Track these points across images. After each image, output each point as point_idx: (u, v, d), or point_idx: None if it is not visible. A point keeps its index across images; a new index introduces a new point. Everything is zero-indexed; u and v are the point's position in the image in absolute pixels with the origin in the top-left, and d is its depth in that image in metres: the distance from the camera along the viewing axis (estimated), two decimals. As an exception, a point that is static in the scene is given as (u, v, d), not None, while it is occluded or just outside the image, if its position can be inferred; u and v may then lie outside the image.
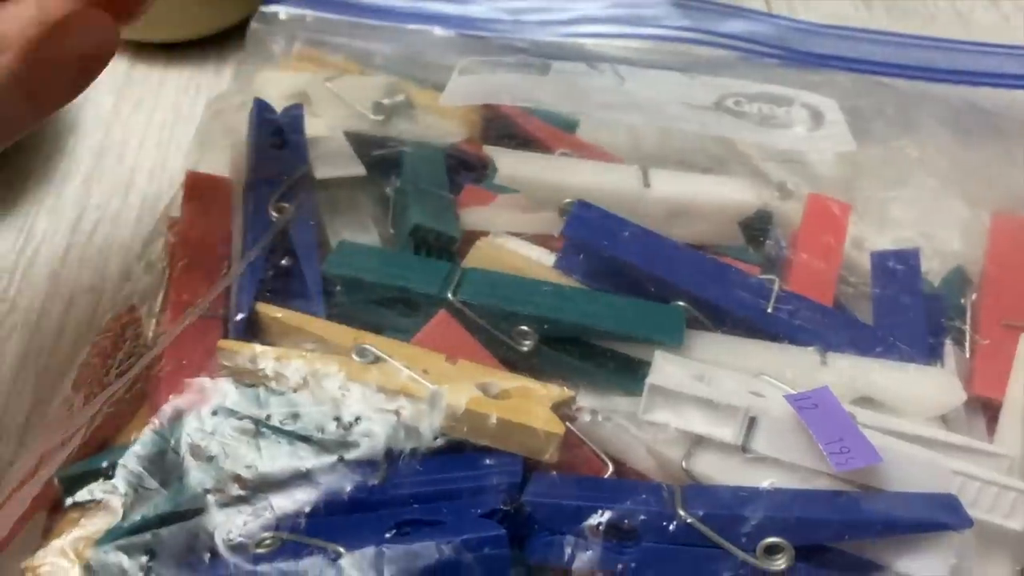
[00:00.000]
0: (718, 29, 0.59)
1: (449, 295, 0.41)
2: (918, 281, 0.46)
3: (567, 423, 0.38)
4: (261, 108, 0.49)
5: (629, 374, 0.41)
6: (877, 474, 0.36)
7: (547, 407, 0.37)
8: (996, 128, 0.55)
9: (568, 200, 0.45)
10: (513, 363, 0.41)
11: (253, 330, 0.41)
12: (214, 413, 0.37)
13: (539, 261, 0.45)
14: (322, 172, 0.47)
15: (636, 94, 0.52)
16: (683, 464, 0.38)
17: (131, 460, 0.36)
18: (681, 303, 0.42)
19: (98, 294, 0.53)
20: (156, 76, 0.66)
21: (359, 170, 0.48)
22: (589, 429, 0.40)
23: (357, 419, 0.37)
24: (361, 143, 0.51)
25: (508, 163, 0.47)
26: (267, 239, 0.43)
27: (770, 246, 0.48)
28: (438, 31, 0.60)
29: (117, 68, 0.66)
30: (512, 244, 0.46)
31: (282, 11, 0.61)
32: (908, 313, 0.44)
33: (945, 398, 0.40)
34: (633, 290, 0.43)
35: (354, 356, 0.38)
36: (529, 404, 0.37)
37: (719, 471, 0.37)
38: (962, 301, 0.46)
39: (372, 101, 0.52)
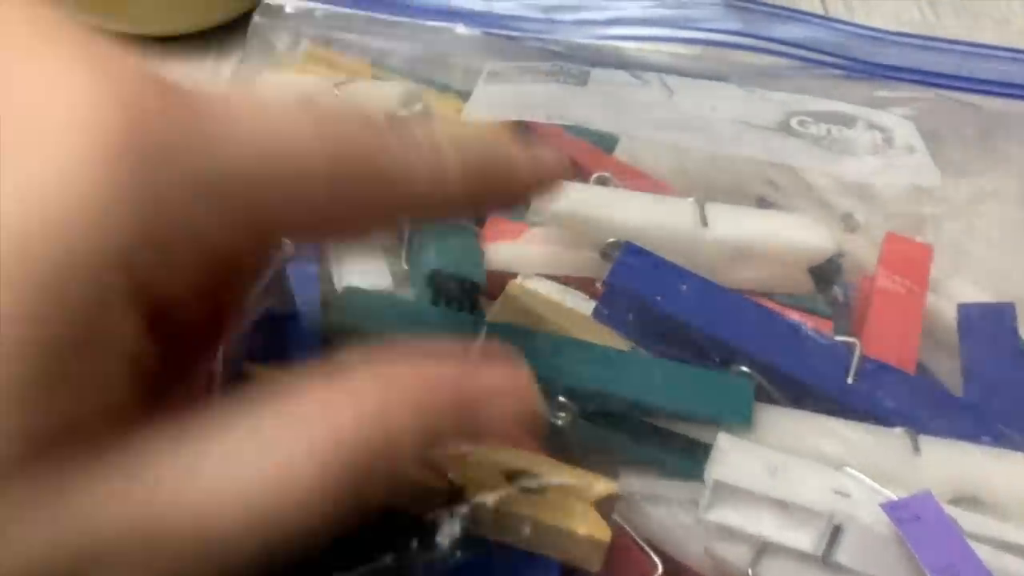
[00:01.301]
0: (773, 34, 0.52)
1: None
2: (1016, 343, 0.39)
3: (611, 514, 0.32)
4: None
5: (684, 455, 0.34)
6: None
7: (590, 505, 0.31)
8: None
9: (612, 240, 0.39)
10: (545, 437, 0.34)
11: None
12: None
13: (575, 309, 0.38)
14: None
15: (687, 110, 0.45)
16: (748, 572, 0.32)
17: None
18: (744, 368, 0.35)
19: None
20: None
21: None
22: (635, 518, 0.34)
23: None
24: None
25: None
26: (261, 282, 0.36)
27: (836, 291, 0.41)
28: (461, 29, 0.52)
29: (106, 62, 0.58)
30: (544, 287, 0.39)
31: (288, 3, 0.53)
32: (1005, 383, 0.37)
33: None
34: (686, 349, 0.36)
35: None
36: (569, 502, 0.31)
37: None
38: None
39: (386, 111, 0.44)
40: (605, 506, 0.31)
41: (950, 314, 0.41)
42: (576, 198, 0.40)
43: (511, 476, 0.31)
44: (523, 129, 0.46)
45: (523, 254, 0.41)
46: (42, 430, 0.18)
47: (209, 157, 0.20)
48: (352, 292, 0.37)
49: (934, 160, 0.44)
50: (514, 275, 0.39)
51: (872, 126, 0.46)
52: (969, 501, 0.33)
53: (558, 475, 0.32)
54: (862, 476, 0.32)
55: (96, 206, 0.18)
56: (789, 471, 0.32)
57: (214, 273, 0.21)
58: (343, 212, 0.24)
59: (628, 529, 0.33)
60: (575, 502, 0.31)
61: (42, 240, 0.18)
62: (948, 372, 0.39)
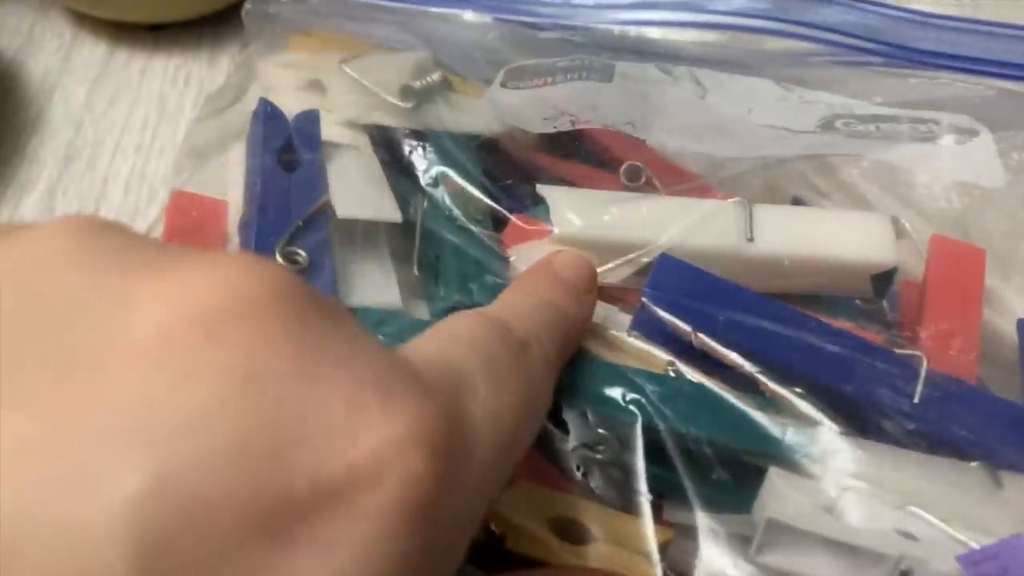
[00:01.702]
0: (806, 18, 0.47)
1: None
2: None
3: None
4: (267, 113, 0.38)
5: (738, 487, 0.30)
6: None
7: (643, 554, 0.28)
8: None
9: (647, 260, 0.35)
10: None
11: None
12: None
13: (605, 326, 0.34)
14: (345, 210, 0.36)
15: (722, 112, 0.41)
16: None
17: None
18: (798, 390, 0.31)
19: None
20: (139, 63, 0.55)
21: (393, 214, 0.36)
22: (680, 560, 0.29)
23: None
24: (385, 140, 0.40)
25: (566, 219, 0.36)
26: None
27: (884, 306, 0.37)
28: (469, 16, 0.48)
29: (94, 52, 0.55)
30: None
31: None
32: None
33: None
34: (732, 371, 0.32)
35: None
36: (621, 553, 0.28)
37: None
38: None
39: (399, 84, 0.41)
40: (657, 555, 0.28)
41: (1005, 328, 0.37)
42: (605, 216, 0.36)
43: (555, 523, 0.28)
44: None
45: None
46: None
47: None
48: (365, 314, 0.33)
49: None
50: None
51: (921, 121, 0.41)
52: None
53: (607, 523, 0.28)
54: (930, 516, 0.28)
55: None
56: (848, 509, 0.28)
57: None
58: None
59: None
60: (627, 553, 0.28)
61: None
62: (1003, 388, 0.35)
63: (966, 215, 0.41)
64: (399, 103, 0.40)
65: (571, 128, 0.40)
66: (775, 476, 0.29)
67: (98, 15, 0.55)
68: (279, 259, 0.33)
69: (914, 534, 0.28)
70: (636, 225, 0.36)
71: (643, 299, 0.33)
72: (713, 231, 0.36)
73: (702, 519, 0.30)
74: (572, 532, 0.28)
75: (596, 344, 0.33)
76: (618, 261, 0.36)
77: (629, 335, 0.33)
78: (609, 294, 0.35)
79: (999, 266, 0.39)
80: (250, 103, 0.40)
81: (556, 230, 0.35)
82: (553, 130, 0.39)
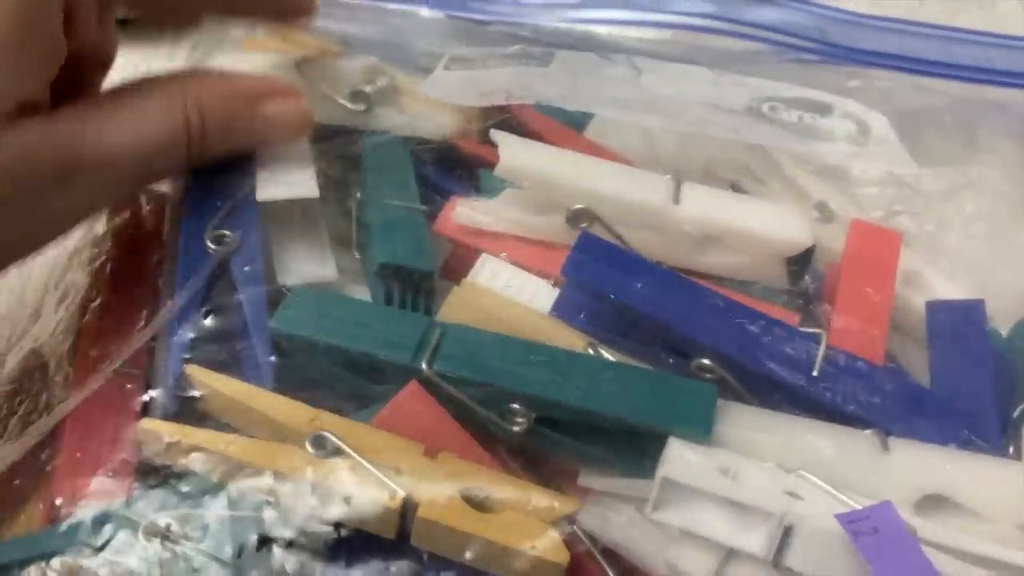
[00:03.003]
0: (746, 17, 0.48)
1: (423, 365, 0.31)
2: (984, 343, 0.35)
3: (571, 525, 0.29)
4: None
5: (644, 455, 0.31)
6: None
7: (548, 523, 0.28)
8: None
9: (579, 207, 0.36)
10: (498, 442, 0.31)
11: (184, 401, 0.31)
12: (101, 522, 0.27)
13: (528, 305, 0.35)
14: (264, 193, 0.36)
15: (655, 91, 0.42)
16: None
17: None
18: (706, 361, 0.33)
19: (13, 324, 0.43)
20: (98, 56, 0.55)
21: (311, 191, 0.37)
22: (595, 524, 0.30)
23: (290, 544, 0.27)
24: (330, 138, 0.40)
25: (515, 152, 0.37)
26: (200, 280, 0.33)
27: (806, 281, 0.38)
28: (425, 12, 0.49)
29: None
30: (505, 273, 0.36)
31: None
32: (973, 383, 0.34)
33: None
34: (647, 343, 0.33)
35: (308, 446, 0.29)
36: (526, 521, 0.28)
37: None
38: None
39: (351, 88, 0.42)
40: (564, 524, 0.29)
41: (919, 303, 0.38)
42: (550, 160, 0.38)
43: (468, 493, 0.29)
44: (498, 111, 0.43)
45: (489, 215, 0.38)
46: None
47: None
48: (299, 293, 0.34)
49: (911, 149, 0.41)
50: (478, 251, 0.37)
51: (846, 115, 0.42)
52: (936, 502, 0.30)
53: (515, 492, 0.29)
54: (816, 480, 0.29)
55: None
56: (741, 472, 0.29)
57: None
58: None
59: (586, 540, 0.30)
60: (532, 520, 0.28)
61: None
62: (918, 364, 0.36)
63: (895, 199, 0.42)
64: (350, 106, 0.42)
65: (505, 103, 0.41)
66: (674, 442, 0.30)
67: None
68: (208, 241, 0.34)
69: (801, 496, 0.29)
70: (575, 173, 0.37)
71: (564, 275, 0.34)
72: (643, 190, 0.37)
73: (617, 483, 0.31)
74: (481, 497, 0.29)
75: (513, 319, 0.34)
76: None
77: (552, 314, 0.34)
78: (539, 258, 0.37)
79: (925, 252, 0.40)
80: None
81: (502, 160, 0.36)
82: (487, 103, 0.41)
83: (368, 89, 0.42)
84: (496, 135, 0.38)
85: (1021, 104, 0.46)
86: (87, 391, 0.31)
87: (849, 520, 0.27)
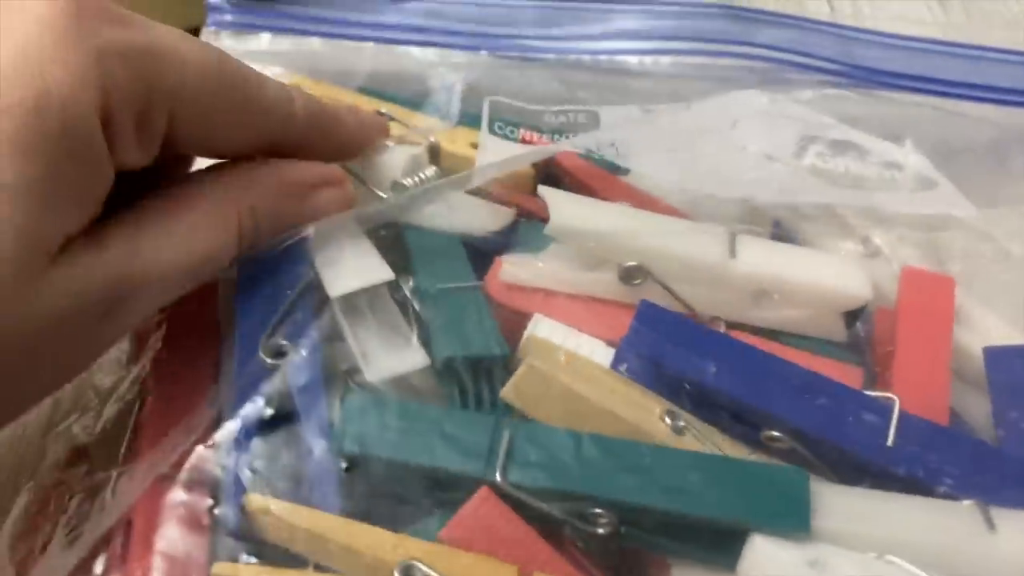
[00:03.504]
0: (772, 42, 0.47)
1: (498, 476, 0.29)
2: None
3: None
4: None
5: (736, 547, 0.29)
6: None
7: None
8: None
9: (632, 263, 0.35)
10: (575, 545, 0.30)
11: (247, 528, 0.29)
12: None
13: (598, 367, 0.34)
14: (337, 288, 0.33)
15: (703, 124, 0.41)
16: None
17: None
18: (776, 433, 0.31)
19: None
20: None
21: (385, 274, 0.34)
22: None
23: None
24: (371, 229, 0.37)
25: (565, 211, 0.36)
26: (258, 401, 0.31)
27: (858, 327, 0.37)
28: (437, 51, 0.47)
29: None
30: (558, 334, 0.35)
31: (226, 39, 0.47)
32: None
33: None
34: (713, 410, 0.32)
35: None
36: None
37: None
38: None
39: (391, 179, 0.39)
40: None
41: (975, 346, 0.37)
42: (600, 217, 0.37)
43: None
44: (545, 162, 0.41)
45: (540, 272, 0.37)
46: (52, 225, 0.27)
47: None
48: (356, 401, 0.31)
49: (939, 168, 0.41)
50: (527, 315, 0.35)
51: (887, 163, 0.42)
52: None
53: None
54: (911, 567, 0.28)
55: (61, 37, 0.27)
56: (830, 563, 0.28)
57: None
58: (220, 117, 0.31)
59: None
60: None
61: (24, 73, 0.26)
62: (976, 410, 0.36)
63: (937, 237, 0.41)
64: (391, 199, 0.38)
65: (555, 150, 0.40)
66: (757, 537, 0.29)
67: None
68: (263, 357, 0.32)
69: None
70: (627, 229, 0.36)
71: (624, 346, 0.33)
72: (698, 245, 0.36)
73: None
74: None
75: (586, 389, 0.32)
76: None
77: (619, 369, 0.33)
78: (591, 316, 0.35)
79: (968, 284, 0.39)
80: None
81: (553, 220, 0.35)
82: (538, 158, 0.40)
83: (408, 182, 0.39)
84: (544, 192, 0.37)
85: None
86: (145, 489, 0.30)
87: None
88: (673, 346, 0.33)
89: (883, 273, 0.39)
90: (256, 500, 0.29)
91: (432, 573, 0.27)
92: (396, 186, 0.39)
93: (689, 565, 0.30)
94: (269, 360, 0.31)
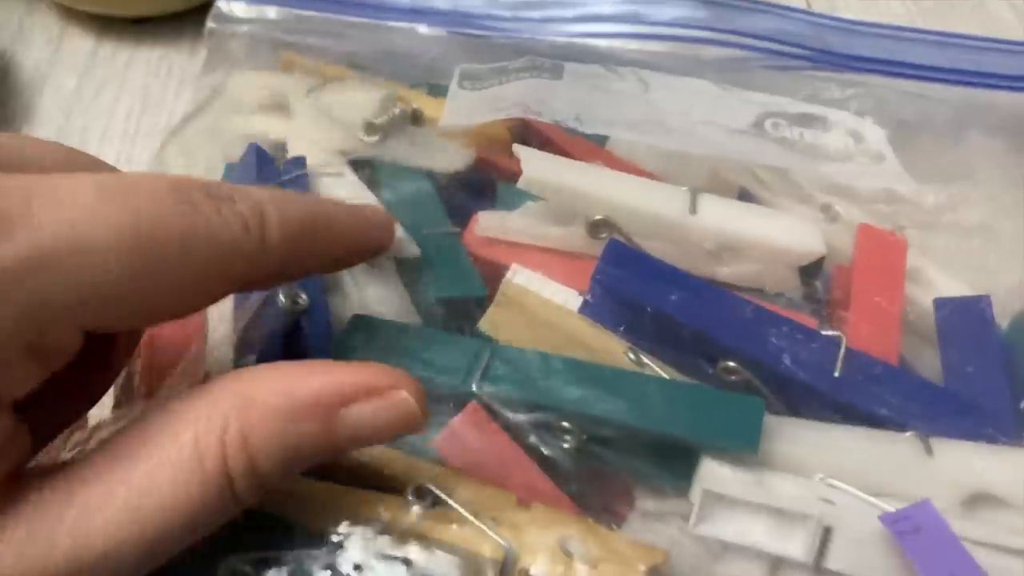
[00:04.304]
0: (743, 28, 0.48)
1: (474, 387, 0.31)
2: (994, 338, 0.36)
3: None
4: (261, 159, 0.38)
5: (693, 470, 0.31)
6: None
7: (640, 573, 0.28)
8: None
9: (599, 217, 0.36)
10: (552, 459, 0.31)
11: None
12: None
13: (569, 307, 0.35)
14: None
15: (663, 107, 0.42)
16: None
17: None
18: (732, 364, 0.33)
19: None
20: (124, 55, 0.55)
21: (413, 249, 0.37)
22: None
23: (357, 567, 0.27)
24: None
25: (537, 165, 0.37)
26: (278, 335, 0.33)
27: (817, 286, 0.38)
28: (423, 29, 0.48)
29: (82, 45, 0.55)
30: (535, 283, 0.36)
31: (237, 7, 0.48)
32: (988, 379, 0.35)
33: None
34: (677, 346, 0.33)
35: (409, 497, 0.29)
36: (621, 571, 0.28)
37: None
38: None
39: (363, 119, 0.41)
40: (655, 572, 0.29)
41: (927, 302, 0.38)
42: (570, 173, 0.38)
43: (563, 547, 0.29)
44: (520, 123, 0.42)
45: (512, 225, 0.38)
46: None
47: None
48: (359, 321, 0.34)
49: (907, 155, 0.43)
50: (503, 268, 0.37)
51: (845, 131, 0.43)
52: (983, 500, 0.30)
53: (606, 543, 0.29)
54: (847, 487, 0.30)
55: None
56: (775, 482, 0.30)
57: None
58: (157, 291, 0.23)
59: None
60: (626, 571, 0.28)
61: None
62: (926, 361, 0.37)
63: (895, 200, 0.42)
64: (363, 138, 0.41)
65: (522, 116, 0.41)
66: (707, 460, 0.30)
67: (84, 9, 0.55)
68: (282, 299, 0.33)
69: (835, 502, 0.29)
70: (595, 184, 0.37)
71: (594, 281, 0.34)
72: (661, 201, 0.37)
73: (670, 504, 0.31)
74: (575, 548, 0.29)
75: (558, 321, 0.34)
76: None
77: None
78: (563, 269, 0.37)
79: (922, 247, 0.40)
80: (217, 128, 0.41)
81: (525, 172, 0.36)
82: (503, 117, 0.41)
83: (379, 121, 0.41)
84: (518, 149, 0.38)
85: (1013, 106, 0.46)
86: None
87: (892, 520, 0.27)
88: (637, 279, 0.34)
89: (842, 238, 0.40)
90: None
91: (443, 495, 0.28)
92: (368, 125, 0.40)
93: (651, 495, 0.31)
94: (285, 301, 0.33)
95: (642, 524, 0.31)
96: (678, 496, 0.31)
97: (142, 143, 0.50)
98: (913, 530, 0.27)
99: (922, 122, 0.45)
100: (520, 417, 0.31)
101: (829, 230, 0.40)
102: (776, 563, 0.29)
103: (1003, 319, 0.38)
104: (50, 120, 0.51)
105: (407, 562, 0.27)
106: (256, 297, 0.33)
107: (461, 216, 0.39)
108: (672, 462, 0.31)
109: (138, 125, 0.51)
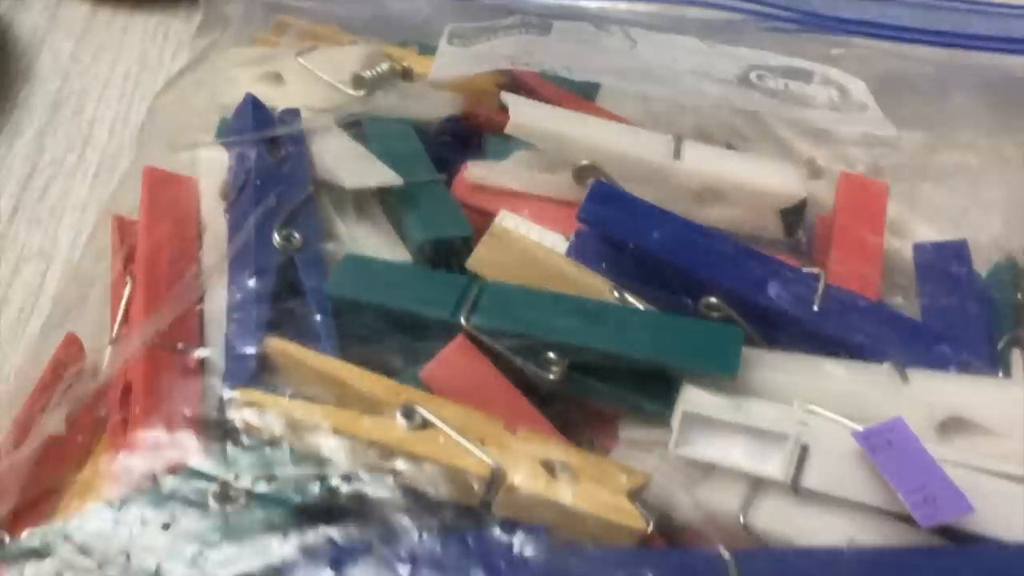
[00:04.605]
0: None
1: (462, 320, 0.31)
2: (970, 278, 0.37)
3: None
4: (254, 108, 0.39)
5: (674, 400, 0.31)
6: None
7: (623, 494, 0.29)
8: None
9: (585, 163, 0.37)
10: (538, 391, 0.32)
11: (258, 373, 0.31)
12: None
13: (554, 249, 0.36)
14: (352, 180, 0.37)
15: (650, 60, 0.43)
16: (741, 518, 0.29)
17: (73, 536, 0.27)
18: (714, 300, 0.33)
19: (47, 260, 0.44)
20: (121, 20, 0.56)
21: (396, 178, 0.38)
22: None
23: (346, 478, 0.27)
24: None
25: (524, 112, 0.38)
26: (272, 272, 0.34)
27: (800, 233, 0.39)
28: None
29: (78, 11, 0.56)
30: (523, 229, 0.37)
31: None
32: (962, 315, 0.35)
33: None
34: (658, 283, 0.34)
35: (398, 417, 0.29)
36: (603, 491, 0.29)
37: (785, 526, 0.28)
38: (1019, 295, 0.37)
39: (351, 74, 0.42)
40: (636, 494, 0.29)
41: (907, 254, 0.39)
42: (556, 119, 0.38)
43: (548, 466, 0.29)
44: (508, 79, 0.43)
45: (501, 174, 0.39)
46: None
47: None
48: (351, 260, 0.34)
49: (890, 112, 0.43)
50: (491, 215, 0.37)
51: (828, 82, 0.44)
52: (957, 426, 0.31)
53: (591, 464, 0.30)
54: (824, 411, 0.30)
55: None
56: (754, 407, 0.30)
57: None
58: None
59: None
60: (609, 491, 0.29)
61: None
62: (906, 309, 0.37)
63: (878, 157, 0.43)
64: (351, 92, 0.41)
65: (511, 67, 0.41)
66: (689, 386, 0.31)
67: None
68: (277, 239, 0.34)
69: (811, 425, 0.30)
70: (581, 131, 0.38)
71: (579, 219, 0.34)
72: (647, 146, 0.38)
73: (654, 433, 0.31)
74: (560, 469, 0.29)
75: (543, 259, 0.35)
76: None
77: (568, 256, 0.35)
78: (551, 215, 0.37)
79: (906, 201, 0.41)
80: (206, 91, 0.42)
81: (512, 118, 0.37)
82: (490, 68, 0.41)
83: (367, 75, 0.42)
84: (506, 97, 0.38)
85: (994, 67, 0.47)
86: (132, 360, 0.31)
87: (864, 436, 0.28)
88: (621, 217, 0.34)
89: (825, 193, 0.40)
90: (276, 343, 0.31)
91: (430, 416, 0.29)
92: (356, 79, 0.41)
93: (634, 425, 0.32)
94: (279, 240, 0.34)
95: (625, 453, 0.32)
96: (660, 426, 0.31)
97: (139, 106, 0.51)
98: (886, 445, 0.27)
99: (905, 80, 0.46)
100: (507, 348, 0.31)
101: (813, 184, 0.41)
102: (755, 486, 0.29)
103: (977, 265, 0.38)
104: (48, 83, 0.52)
105: (395, 473, 0.27)
106: (251, 223, 0.34)
107: (450, 168, 0.40)
108: (654, 391, 0.31)
109: (135, 87, 0.52)
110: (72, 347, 0.34)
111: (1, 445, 0.32)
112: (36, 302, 0.42)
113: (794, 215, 0.39)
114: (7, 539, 0.28)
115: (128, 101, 0.51)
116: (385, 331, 0.33)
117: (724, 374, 0.30)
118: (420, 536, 0.27)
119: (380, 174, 0.37)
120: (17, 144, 0.49)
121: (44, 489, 0.31)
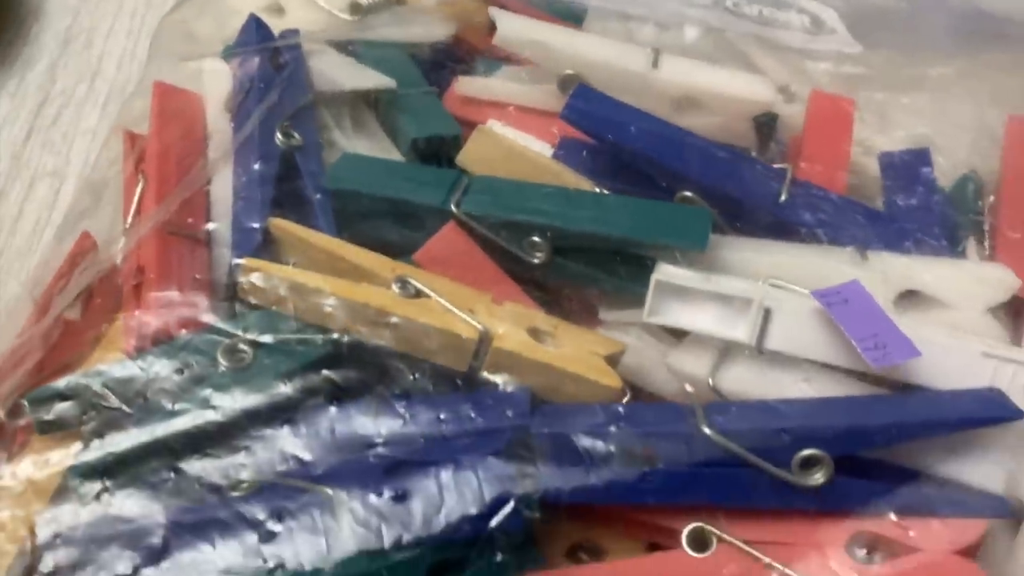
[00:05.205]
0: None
1: (452, 206, 0.33)
2: (930, 178, 0.38)
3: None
4: (258, 25, 0.41)
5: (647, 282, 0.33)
6: (911, 369, 0.29)
7: (601, 357, 0.31)
8: (1001, 34, 0.47)
9: (569, 72, 0.39)
10: (524, 275, 0.34)
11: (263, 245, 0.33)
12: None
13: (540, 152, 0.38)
14: (353, 82, 0.40)
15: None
16: (710, 381, 0.31)
17: (95, 382, 0.29)
18: (688, 193, 0.35)
19: (60, 178, 0.46)
20: (128, -40, 0.57)
21: (390, 82, 0.40)
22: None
23: (347, 331, 0.30)
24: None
25: (511, 24, 0.40)
26: (275, 162, 0.36)
27: (774, 149, 0.41)
28: None
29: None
30: (509, 134, 0.39)
31: None
32: (922, 210, 0.37)
33: (1000, 290, 0.33)
34: (638, 182, 0.36)
35: (394, 287, 0.31)
36: (583, 354, 0.31)
37: (751, 386, 0.31)
38: (979, 203, 0.39)
39: (348, 1, 0.44)
40: (614, 360, 0.31)
41: (875, 169, 0.40)
42: (541, 31, 0.41)
43: (533, 332, 0.31)
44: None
45: (490, 85, 0.41)
46: None
47: None
48: (348, 156, 0.37)
49: (855, 37, 0.45)
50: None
51: (802, 11, 0.46)
52: (911, 296, 0.33)
53: (572, 332, 0.32)
54: (792, 285, 0.32)
55: None
56: (723, 281, 0.32)
57: None
58: None
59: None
60: (588, 354, 0.31)
61: None
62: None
63: (850, 83, 0.45)
64: (348, 17, 0.44)
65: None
66: (662, 263, 0.32)
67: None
68: (279, 136, 0.36)
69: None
70: (565, 42, 0.40)
71: (563, 119, 0.36)
72: (626, 57, 0.40)
73: (630, 314, 0.33)
74: (543, 337, 0.32)
75: (527, 155, 0.37)
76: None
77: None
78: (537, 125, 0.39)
79: (876, 125, 0.43)
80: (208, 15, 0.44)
81: (500, 30, 0.39)
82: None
83: (364, 1, 0.44)
84: (494, 12, 0.40)
85: (963, 3, 0.49)
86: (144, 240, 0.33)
87: (822, 294, 0.30)
88: (601, 115, 0.36)
89: (798, 118, 0.42)
90: (278, 222, 0.33)
91: (422, 287, 0.31)
92: (353, 5, 0.43)
93: (612, 306, 0.34)
94: (282, 137, 0.36)
95: (604, 333, 0.34)
96: (636, 307, 0.33)
97: (145, 42, 0.52)
98: (842, 302, 0.29)
99: (878, 16, 0.48)
100: (494, 232, 0.33)
101: (788, 108, 0.42)
102: (723, 352, 0.31)
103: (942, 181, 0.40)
104: (57, 20, 0.54)
105: (391, 326, 0.29)
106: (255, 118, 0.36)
107: (441, 86, 0.42)
108: (631, 272, 0.33)
109: (142, 23, 0.54)
110: (87, 241, 0.36)
111: (24, 327, 0.34)
112: (50, 216, 0.44)
113: (767, 128, 0.41)
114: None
115: (135, 38, 0.53)
116: (380, 225, 0.35)
117: (694, 247, 0.32)
118: (413, 376, 0.29)
119: (376, 78, 0.40)
120: (30, 76, 0.51)
121: (62, 365, 0.32)
